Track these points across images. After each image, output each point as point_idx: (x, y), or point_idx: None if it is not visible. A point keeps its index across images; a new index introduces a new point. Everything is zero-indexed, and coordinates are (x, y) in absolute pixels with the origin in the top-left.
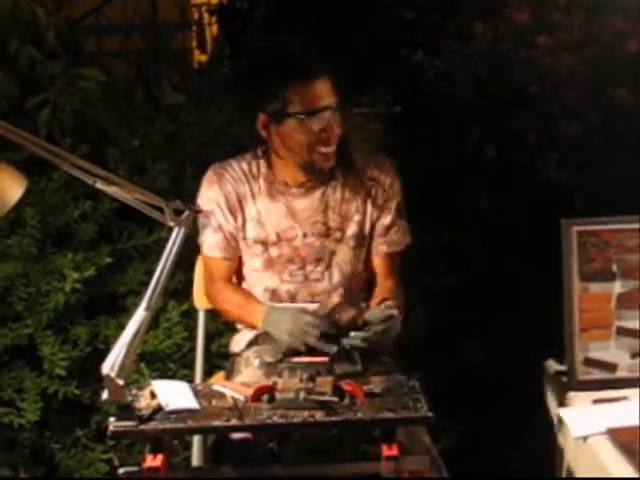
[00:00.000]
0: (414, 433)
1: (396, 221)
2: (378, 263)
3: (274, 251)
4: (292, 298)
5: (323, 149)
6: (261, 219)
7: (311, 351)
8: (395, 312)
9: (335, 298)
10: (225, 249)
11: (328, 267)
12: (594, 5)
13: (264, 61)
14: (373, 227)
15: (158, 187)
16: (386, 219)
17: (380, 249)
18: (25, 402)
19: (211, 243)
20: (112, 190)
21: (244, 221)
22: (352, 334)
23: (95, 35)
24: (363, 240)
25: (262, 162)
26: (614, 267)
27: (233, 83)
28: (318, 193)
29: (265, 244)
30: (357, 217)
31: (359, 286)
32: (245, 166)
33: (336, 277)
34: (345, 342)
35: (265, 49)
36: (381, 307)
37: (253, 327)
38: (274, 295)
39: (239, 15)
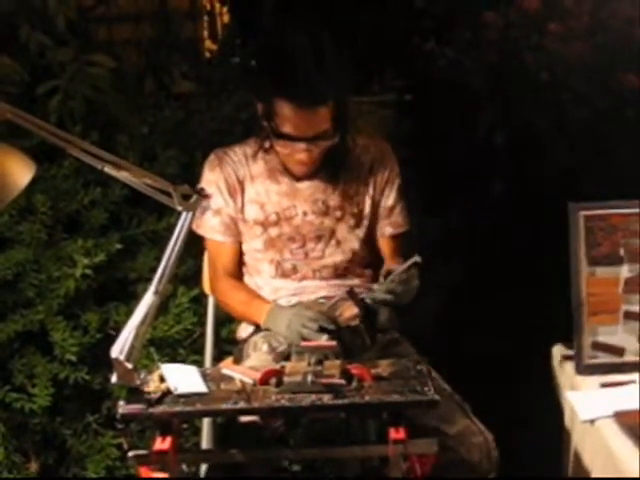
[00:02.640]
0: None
1: (398, 203)
2: (384, 245)
3: (274, 231)
4: (295, 271)
5: (298, 166)
6: (261, 200)
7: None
8: (416, 258)
9: (335, 277)
10: (225, 232)
11: (328, 245)
12: None
13: (267, 62)
14: (375, 209)
15: (168, 174)
16: (388, 201)
17: (385, 231)
18: (36, 388)
19: (211, 226)
20: (121, 175)
21: (243, 203)
22: (375, 286)
23: (106, 24)
24: (362, 220)
25: (266, 144)
26: (621, 251)
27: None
28: (320, 174)
29: (264, 225)
30: (357, 197)
31: (359, 266)
32: (247, 149)
33: (336, 255)
34: (368, 297)
35: (275, 54)
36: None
37: (255, 324)
38: (279, 267)
39: (250, 4)
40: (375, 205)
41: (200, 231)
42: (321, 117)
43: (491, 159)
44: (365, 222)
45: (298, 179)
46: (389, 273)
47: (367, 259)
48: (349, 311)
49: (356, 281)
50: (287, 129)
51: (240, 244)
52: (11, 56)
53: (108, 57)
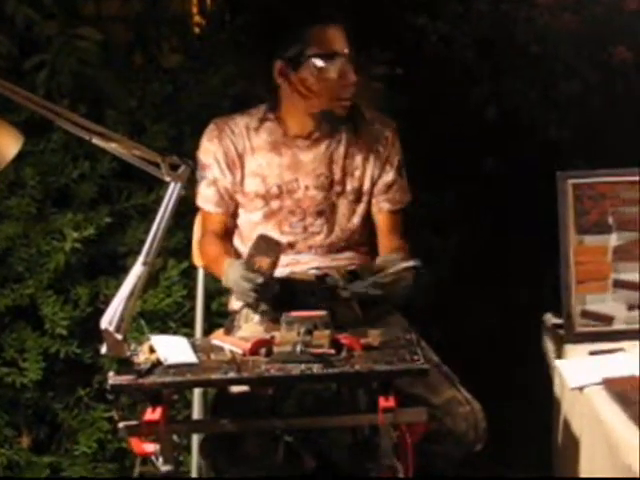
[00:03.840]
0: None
1: (397, 179)
2: (381, 220)
3: (275, 203)
4: (291, 247)
5: (342, 96)
6: (262, 172)
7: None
8: (413, 263)
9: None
10: (218, 203)
11: (328, 220)
12: None
13: (282, 4)
14: (374, 184)
15: (157, 147)
16: (388, 177)
17: (382, 206)
18: (27, 362)
19: (205, 196)
20: (109, 146)
21: (243, 176)
22: (361, 282)
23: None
24: (361, 195)
25: (269, 114)
26: (610, 220)
27: (246, 33)
28: (323, 146)
29: (266, 198)
30: (357, 172)
31: (357, 242)
32: (248, 121)
33: (335, 230)
34: (353, 288)
35: None
36: (395, 256)
37: None
38: None
39: None
40: (375, 180)
41: (197, 200)
42: (343, 37)
43: (482, 133)
44: (365, 198)
45: (307, 146)
46: (381, 269)
47: (364, 235)
48: (264, 262)
49: (351, 254)
50: (322, 49)
51: (232, 215)
52: None
53: (95, 30)
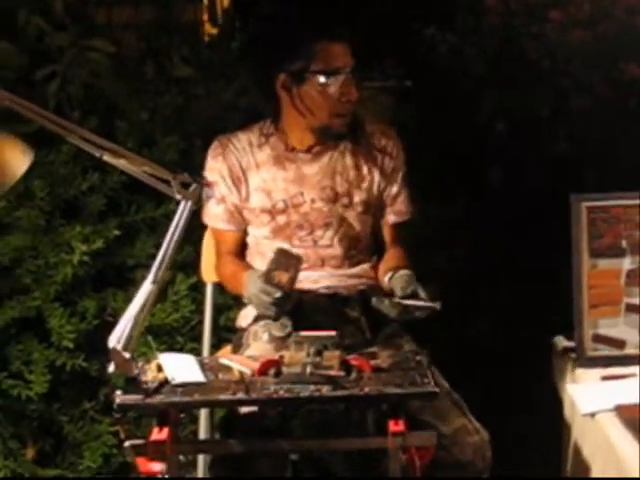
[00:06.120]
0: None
1: (402, 191)
2: (387, 232)
3: (282, 218)
4: (304, 261)
5: (341, 112)
6: (267, 188)
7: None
8: (436, 305)
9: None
10: (229, 221)
11: (336, 232)
12: None
13: (289, 19)
14: (380, 196)
15: (167, 160)
16: (393, 189)
17: (388, 219)
18: (33, 374)
19: (215, 214)
20: (120, 163)
21: (248, 192)
22: (387, 302)
23: (105, 7)
24: (369, 207)
25: (272, 129)
26: (624, 243)
27: (252, 45)
28: (326, 158)
29: (272, 213)
30: (365, 184)
31: (366, 253)
32: (251, 137)
33: (344, 242)
34: (376, 302)
35: (289, 9)
36: (413, 281)
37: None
38: None
39: None
40: (380, 192)
41: (205, 219)
42: (348, 53)
43: (491, 146)
44: (372, 209)
45: (309, 159)
46: (404, 290)
47: (373, 247)
48: (283, 277)
49: (362, 269)
50: (326, 65)
51: (243, 232)
52: (9, 40)
53: (107, 42)
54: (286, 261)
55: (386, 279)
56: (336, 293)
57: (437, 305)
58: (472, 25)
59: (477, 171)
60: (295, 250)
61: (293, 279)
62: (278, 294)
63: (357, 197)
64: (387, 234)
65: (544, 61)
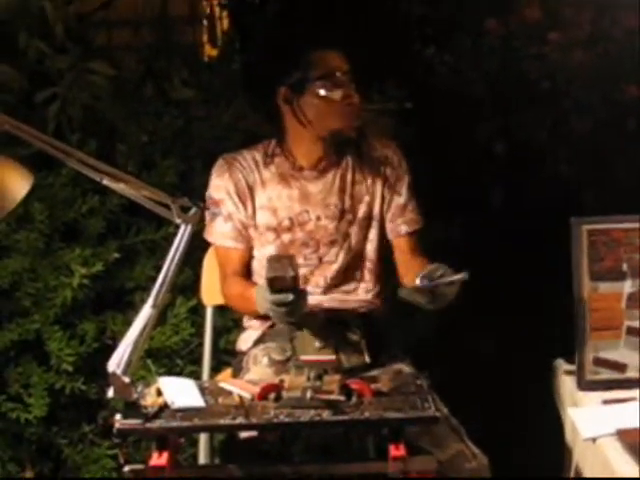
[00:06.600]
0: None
1: (410, 200)
2: (401, 243)
3: (287, 237)
4: (306, 282)
5: (347, 116)
6: (273, 206)
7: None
8: (464, 276)
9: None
10: (237, 238)
11: (342, 249)
12: (605, 1)
13: (284, 33)
14: (387, 208)
15: (167, 183)
16: (400, 199)
17: (400, 229)
18: (32, 397)
19: (222, 233)
20: (119, 187)
21: (254, 210)
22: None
23: (105, 29)
24: (371, 221)
25: (276, 148)
26: (624, 266)
27: (251, 63)
28: (331, 175)
29: (277, 231)
30: (367, 198)
31: (371, 273)
32: (256, 155)
33: (349, 259)
34: (403, 292)
35: (284, 25)
36: (443, 265)
37: (259, 315)
38: None
39: (250, 9)
40: (386, 204)
41: (210, 238)
42: (344, 60)
43: (491, 168)
44: (374, 223)
45: (314, 177)
46: (431, 276)
47: (378, 266)
48: (286, 279)
49: (362, 294)
50: (325, 70)
51: (250, 250)
52: (9, 63)
53: (107, 65)
54: (280, 264)
55: (417, 280)
56: (337, 315)
57: (465, 275)
58: (472, 46)
59: (477, 193)
60: (300, 269)
61: (295, 276)
62: (290, 297)
63: (360, 212)
64: (402, 245)
65: (544, 82)
